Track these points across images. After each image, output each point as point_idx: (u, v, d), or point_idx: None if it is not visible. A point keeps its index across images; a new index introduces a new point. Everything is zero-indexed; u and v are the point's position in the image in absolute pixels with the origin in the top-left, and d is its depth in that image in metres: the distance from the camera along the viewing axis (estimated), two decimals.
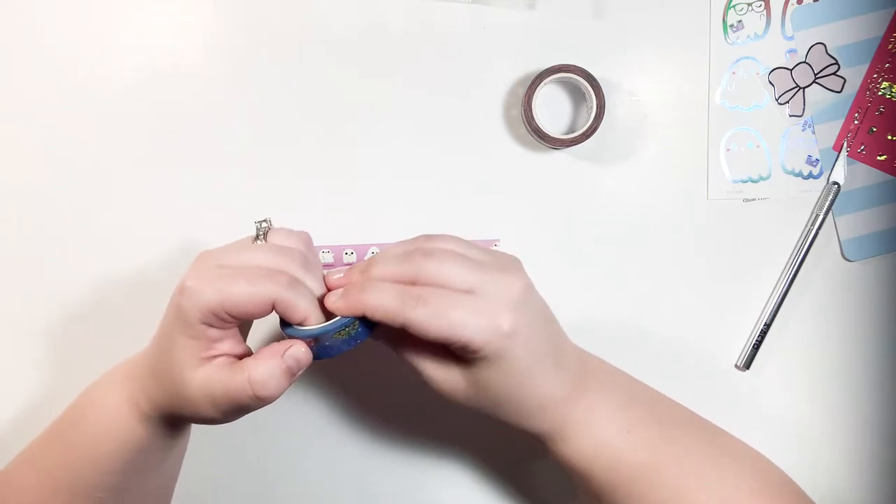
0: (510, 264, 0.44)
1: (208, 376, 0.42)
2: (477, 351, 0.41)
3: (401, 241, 0.46)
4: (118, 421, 0.46)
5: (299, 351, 0.43)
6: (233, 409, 0.43)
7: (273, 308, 0.42)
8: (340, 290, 0.44)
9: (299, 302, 0.43)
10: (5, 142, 0.56)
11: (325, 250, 0.56)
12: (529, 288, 0.44)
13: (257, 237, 0.45)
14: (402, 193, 0.57)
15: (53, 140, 0.56)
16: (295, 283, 0.43)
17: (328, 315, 0.45)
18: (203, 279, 0.41)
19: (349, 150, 0.57)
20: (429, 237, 0.45)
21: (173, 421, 0.47)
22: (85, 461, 0.46)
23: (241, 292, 0.41)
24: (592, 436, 0.45)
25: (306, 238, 0.47)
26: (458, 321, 0.41)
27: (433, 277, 0.42)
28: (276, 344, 0.43)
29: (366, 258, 0.57)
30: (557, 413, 0.45)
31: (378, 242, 0.57)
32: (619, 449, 0.45)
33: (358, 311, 0.43)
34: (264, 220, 0.47)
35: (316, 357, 0.45)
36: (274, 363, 0.42)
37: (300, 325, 0.44)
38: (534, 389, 0.44)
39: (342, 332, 0.44)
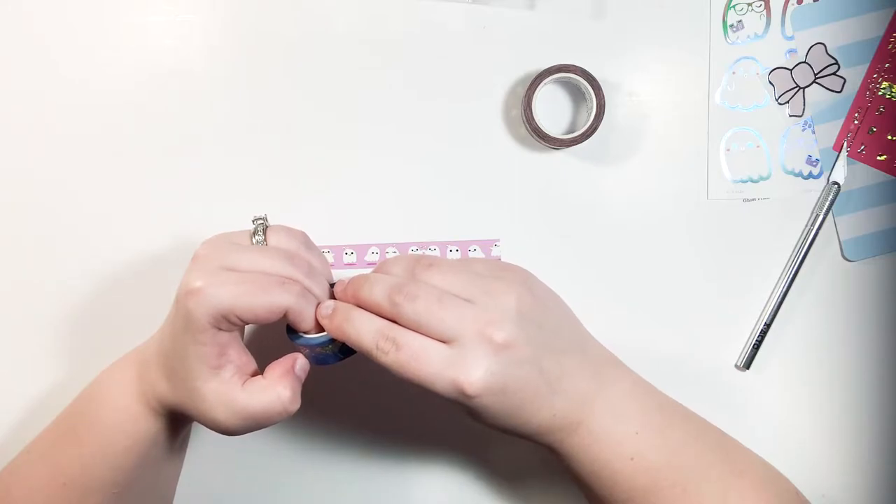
0: (503, 302, 0.43)
1: (229, 393, 0.44)
2: (450, 400, 0.42)
3: (399, 260, 0.47)
4: (131, 419, 0.47)
5: (305, 363, 0.46)
6: (260, 425, 0.45)
7: (283, 316, 0.44)
8: (331, 305, 0.45)
9: (309, 311, 0.44)
10: (7, 140, 0.56)
11: (326, 250, 0.56)
12: (520, 325, 0.42)
13: (255, 233, 0.46)
14: (402, 193, 0.57)
15: (54, 137, 0.56)
16: (305, 292, 0.44)
17: None
18: (212, 281, 0.42)
19: (349, 149, 0.57)
20: (426, 265, 0.45)
21: (181, 416, 0.47)
22: (99, 459, 0.47)
23: (256, 300, 0.42)
24: (595, 458, 0.45)
25: (304, 237, 0.48)
26: (427, 375, 0.41)
27: (413, 324, 0.42)
28: (283, 360, 0.46)
29: (366, 258, 0.57)
30: (555, 436, 0.45)
31: (378, 242, 0.57)
32: (621, 471, 0.45)
33: (339, 337, 0.44)
34: (261, 219, 0.47)
35: (322, 363, 0.46)
36: (293, 379, 0.45)
37: (306, 332, 0.45)
38: (528, 419, 0.44)
39: (344, 343, 0.45)
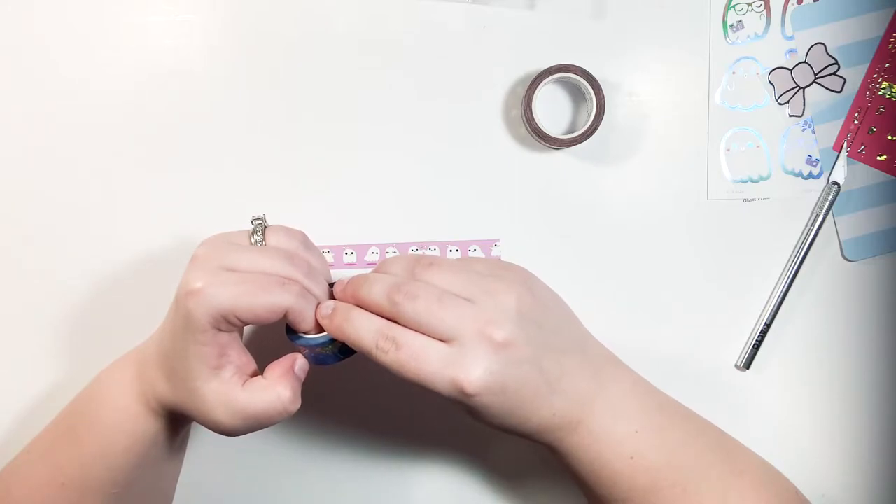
0: (503, 302, 0.43)
1: (229, 393, 0.44)
2: (450, 399, 0.42)
3: (398, 259, 0.47)
4: (131, 418, 0.47)
5: (304, 363, 0.46)
6: (260, 425, 0.45)
7: (283, 316, 0.44)
8: (331, 305, 0.45)
9: (309, 311, 0.44)
10: (6, 140, 0.56)
11: (325, 250, 0.57)
12: (519, 325, 0.42)
13: (253, 233, 0.46)
14: (402, 193, 0.57)
15: (54, 138, 0.56)
16: (305, 292, 0.44)
17: None
18: (212, 281, 0.42)
19: (349, 149, 0.57)
20: (426, 265, 0.45)
21: (181, 416, 0.48)
22: (98, 459, 0.47)
23: (256, 301, 0.42)
24: (595, 457, 0.45)
25: (302, 237, 0.48)
26: (426, 374, 0.41)
27: (413, 323, 0.42)
28: (282, 360, 0.46)
29: (365, 258, 0.57)
30: (554, 434, 0.45)
31: (378, 242, 0.57)
32: (620, 471, 0.45)
33: (339, 337, 0.44)
34: (259, 218, 0.47)
35: (321, 363, 0.46)
36: (293, 379, 0.45)
37: (306, 333, 0.45)
38: (528, 418, 0.44)
39: (344, 343, 0.45)
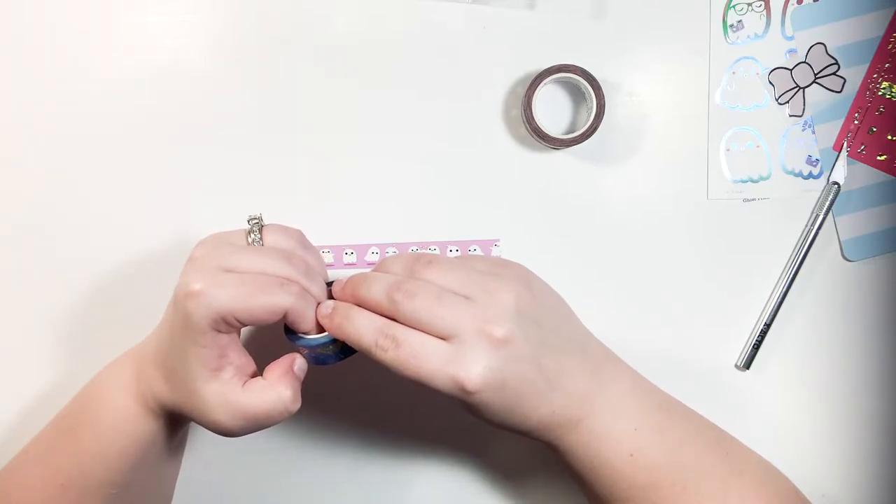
0: (502, 300, 0.43)
1: (230, 394, 0.44)
2: (449, 397, 0.42)
3: (398, 258, 0.47)
4: (130, 419, 0.47)
5: (303, 363, 0.46)
6: (261, 426, 0.45)
7: (282, 317, 0.44)
8: (331, 305, 0.45)
9: (309, 311, 0.44)
10: (6, 139, 0.56)
11: (325, 250, 0.57)
12: (518, 323, 0.42)
13: (251, 233, 0.46)
14: (402, 193, 0.57)
15: (53, 137, 0.56)
16: (304, 292, 0.44)
17: None
18: (211, 283, 0.42)
19: (348, 149, 0.57)
20: (425, 263, 0.45)
21: (179, 417, 0.48)
22: (97, 459, 0.47)
23: (256, 302, 0.42)
24: (595, 455, 0.45)
25: (300, 236, 0.47)
26: (427, 372, 0.41)
27: (412, 321, 0.42)
28: (281, 360, 0.46)
29: (365, 258, 0.57)
30: (554, 432, 0.45)
31: (378, 242, 0.57)
32: (620, 469, 0.45)
33: (339, 336, 0.44)
34: (256, 218, 0.47)
35: (321, 363, 0.46)
36: (293, 379, 0.45)
37: (306, 333, 0.45)
38: (528, 415, 0.44)
39: (344, 343, 0.45)
